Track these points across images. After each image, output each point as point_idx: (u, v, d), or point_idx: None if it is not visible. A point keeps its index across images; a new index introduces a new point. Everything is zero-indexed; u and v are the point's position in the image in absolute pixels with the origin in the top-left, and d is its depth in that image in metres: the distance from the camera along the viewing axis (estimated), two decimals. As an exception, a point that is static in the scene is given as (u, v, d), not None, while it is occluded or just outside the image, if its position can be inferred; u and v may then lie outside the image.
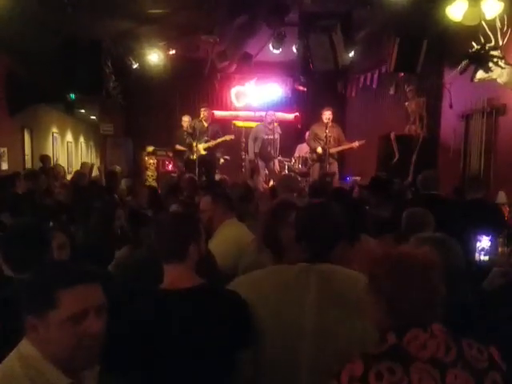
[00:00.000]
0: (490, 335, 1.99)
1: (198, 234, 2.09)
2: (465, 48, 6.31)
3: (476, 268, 3.59)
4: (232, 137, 9.75)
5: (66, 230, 3.37)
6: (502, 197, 5.85)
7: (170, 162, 11.11)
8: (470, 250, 3.65)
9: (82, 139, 14.97)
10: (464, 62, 6.29)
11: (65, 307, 1.42)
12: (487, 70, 6.10)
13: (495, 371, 1.55)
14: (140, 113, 11.80)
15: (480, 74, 6.38)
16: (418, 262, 1.59)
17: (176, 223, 2.07)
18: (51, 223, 4.08)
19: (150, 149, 11.06)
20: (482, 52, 6.08)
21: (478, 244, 3.70)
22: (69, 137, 13.66)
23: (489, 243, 3.70)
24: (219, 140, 9.60)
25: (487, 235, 3.70)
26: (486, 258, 3.68)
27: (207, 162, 9.51)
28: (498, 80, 6.19)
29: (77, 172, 8.68)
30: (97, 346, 1.47)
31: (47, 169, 9.21)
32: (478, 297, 2.68)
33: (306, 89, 10.71)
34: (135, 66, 9.92)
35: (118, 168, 8.88)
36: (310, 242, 2.05)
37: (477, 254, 3.71)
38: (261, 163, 9.92)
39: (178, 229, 2.02)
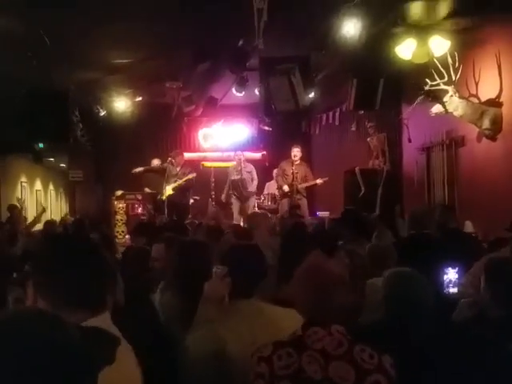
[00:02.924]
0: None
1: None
2: (420, 84, 6.47)
3: (445, 301, 3.52)
4: (194, 175, 9.74)
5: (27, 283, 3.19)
6: (468, 226, 5.85)
7: (139, 205, 10.94)
8: (440, 283, 3.60)
9: (51, 187, 14.72)
10: (419, 98, 6.44)
11: None
12: (443, 104, 6.25)
13: (381, 374, 1.84)
14: (109, 158, 11.68)
15: (437, 108, 6.54)
16: (326, 276, 1.97)
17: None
18: (14, 275, 3.87)
19: (119, 193, 10.85)
20: (436, 88, 6.24)
21: (445, 277, 3.60)
22: (38, 185, 13.40)
23: (456, 275, 3.60)
24: (184, 179, 9.60)
25: (453, 267, 3.60)
26: (455, 290, 3.59)
27: (176, 203, 9.41)
28: (454, 113, 6.34)
29: (47, 222, 8.43)
30: None
31: (14, 219, 8.93)
32: (445, 328, 2.66)
33: (271, 128, 10.80)
34: (103, 113, 9.89)
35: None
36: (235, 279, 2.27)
37: (445, 287, 3.64)
38: (236, 203, 9.88)
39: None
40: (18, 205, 9.08)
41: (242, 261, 2.32)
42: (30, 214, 10.63)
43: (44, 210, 10.19)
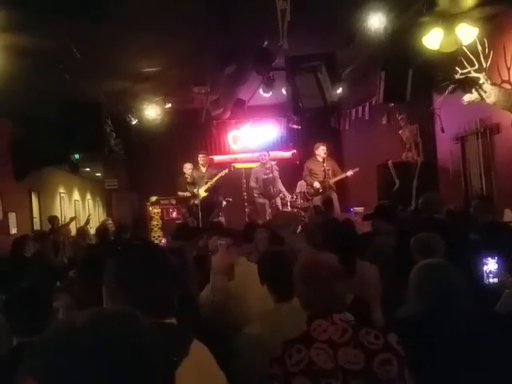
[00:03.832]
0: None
1: None
2: (450, 73, 6.37)
3: (486, 292, 3.47)
4: (226, 171, 9.82)
5: (73, 290, 3.25)
6: (508, 215, 5.76)
7: (173, 210, 11.12)
8: (478, 275, 3.55)
9: (88, 196, 15.08)
10: (450, 88, 6.33)
11: None
12: (477, 91, 6.13)
13: (388, 352, 1.89)
14: (142, 165, 11.89)
15: (468, 97, 6.43)
16: (317, 268, 2.05)
17: None
18: (58, 283, 3.99)
19: (154, 198, 11.07)
20: (467, 76, 6.12)
21: (485, 267, 3.56)
22: (76, 195, 13.75)
23: (495, 265, 3.55)
24: (216, 178, 9.65)
25: (493, 257, 3.55)
26: (495, 280, 3.54)
27: (209, 204, 9.53)
28: (487, 100, 6.22)
29: (100, 228, 8.40)
30: None
31: (56, 229, 9.20)
32: (493, 320, 2.67)
33: (300, 126, 10.80)
34: (134, 122, 10.06)
35: (109, 222, 8.91)
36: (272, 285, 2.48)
37: (485, 278, 3.57)
38: (264, 201, 9.93)
39: None
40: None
41: (280, 265, 2.41)
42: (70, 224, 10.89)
43: (73, 219, 10.46)
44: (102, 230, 7.64)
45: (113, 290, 1.50)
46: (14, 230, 8.92)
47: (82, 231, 8.29)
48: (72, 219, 10.45)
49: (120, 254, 1.62)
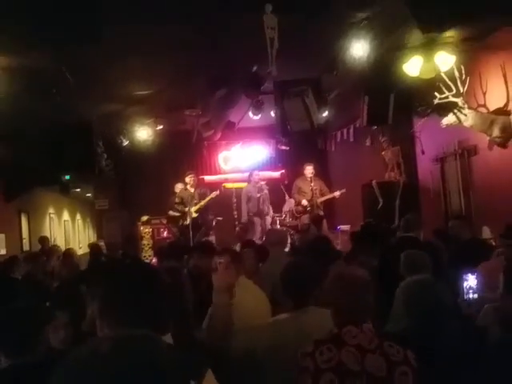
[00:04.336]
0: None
1: None
2: (429, 98, 6.66)
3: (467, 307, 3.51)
4: (217, 192, 9.92)
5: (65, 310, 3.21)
6: (486, 232, 5.96)
7: (164, 229, 11.15)
8: (458, 291, 3.58)
9: (78, 217, 15.06)
10: (429, 111, 6.62)
11: None
12: (455, 115, 6.42)
13: (406, 366, 2.09)
14: (133, 185, 11.96)
15: (447, 120, 6.72)
16: (353, 280, 2.26)
17: None
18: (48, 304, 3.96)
19: (145, 218, 11.12)
20: (445, 101, 6.42)
21: (465, 283, 3.58)
22: (65, 216, 13.74)
23: (475, 281, 3.57)
24: (207, 199, 9.78)
25: (472, 273, 3.59)
26: (475, 296, 3.55)
27: (200, 224, 9.65)
28: (465, 124, 6.52)
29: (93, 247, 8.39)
30: None
31: (47, 250, 9.18)
32: (473, 333, 2.70)
33: (288, 147, 11.03)
34: (126, 143, 10.19)
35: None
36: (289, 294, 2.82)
37: (465, 294, 3.57)
38: (257, 220, 10.07)
39: None
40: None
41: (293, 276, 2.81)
42: (59, 244, 10.91)
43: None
44: (94, 249, 7.69)
45: (104, 308, 1.49)
46: (2, 251, 8.91)
47: (69, 252, 8.29)
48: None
49: (110, 273, 1.61)
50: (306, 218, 9.50)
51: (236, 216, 10.80)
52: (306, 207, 9.61)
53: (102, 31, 5.61)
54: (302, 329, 2.60)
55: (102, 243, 9.74)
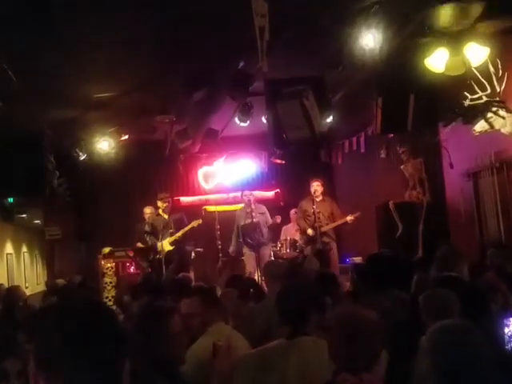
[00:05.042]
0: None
1: None
2: (458, 99, 6.61)
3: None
4: (199, 221, 9.79)
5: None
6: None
7: (131, 264, 11.04)
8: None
9: (24, 249, 14.80)
10: (457, 116, 6.57)
11: None
12: (487, 121, 6.37)
13: None
14: (92, 210, 11.86)
15: (480, 126, 6.66)
16: (356, 325, 2.42)
17: None
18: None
19: (107, 250, 10.99)
20: (478, 102, 6.37)
21: (507, 330, 3.61)
22: (8, 248, 13.50)
23: None
24: (186, 229, 9.62)
25: None
26: None
27: (176, 258, 9.50)
28: (502, 130, 6.46)
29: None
30: None
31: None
32: None
33: (284, 161, 10.97)
34: (83, 157, 10.08)
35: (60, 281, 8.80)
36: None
37: (507, 342, 3.59)
38: (249, 253, 9.91)
39: None
40: None
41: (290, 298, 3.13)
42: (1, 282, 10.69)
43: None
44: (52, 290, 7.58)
45: (45, 365, 1.48)
46: None
47: (14, 291, 8.14)
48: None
49: (56, 321, 1.60)
50: (310, 250, 9.38)
51: (220, 247, 10.64)
52: (312, 237, 9.44)
53: (53, 19, 5.56)
54: (292, 363, 2.83)
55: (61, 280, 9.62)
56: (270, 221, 10.17)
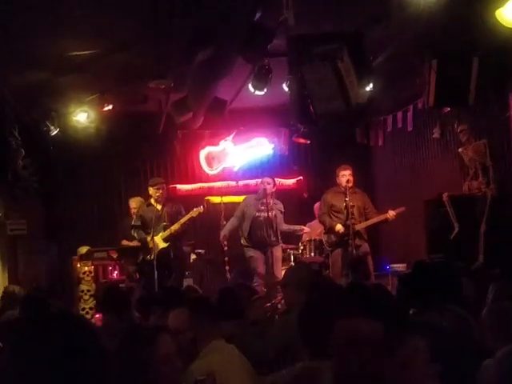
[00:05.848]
0: None
1: None
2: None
3: None
4: (201, 210, 9.69)
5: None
6: None
7: (114, 268, 11.09)
8: None
9: (-20, 247, 14.98)
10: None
11: None
12: None
13: None
14: (66, 200, 11.94)
15: None
16: (356, 340, 2.68)
17: None
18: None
19: (84, 250, 11.00)
20: None
21: None
22: (-39, 245, 13.66)
23: None
24: (184, 219, 9.56)
25: None
26: None
27: (170, 260, 9.50)
28: None
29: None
30: None
31: None
32: None
33: (309, 141, 10.95)
34: (55, 131, 10.10)
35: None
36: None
37: None
38: (256, 254, 9.89)
39: None
40: None
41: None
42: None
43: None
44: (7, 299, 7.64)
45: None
46: None
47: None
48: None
49: (20, 339, 1.74)
50: (338, 255, 9.38)
51: (226, 248, 10.64)
52: (343, 236, 9.41)
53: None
54: None
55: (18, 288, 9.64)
56: (284, 226, 10.13)
